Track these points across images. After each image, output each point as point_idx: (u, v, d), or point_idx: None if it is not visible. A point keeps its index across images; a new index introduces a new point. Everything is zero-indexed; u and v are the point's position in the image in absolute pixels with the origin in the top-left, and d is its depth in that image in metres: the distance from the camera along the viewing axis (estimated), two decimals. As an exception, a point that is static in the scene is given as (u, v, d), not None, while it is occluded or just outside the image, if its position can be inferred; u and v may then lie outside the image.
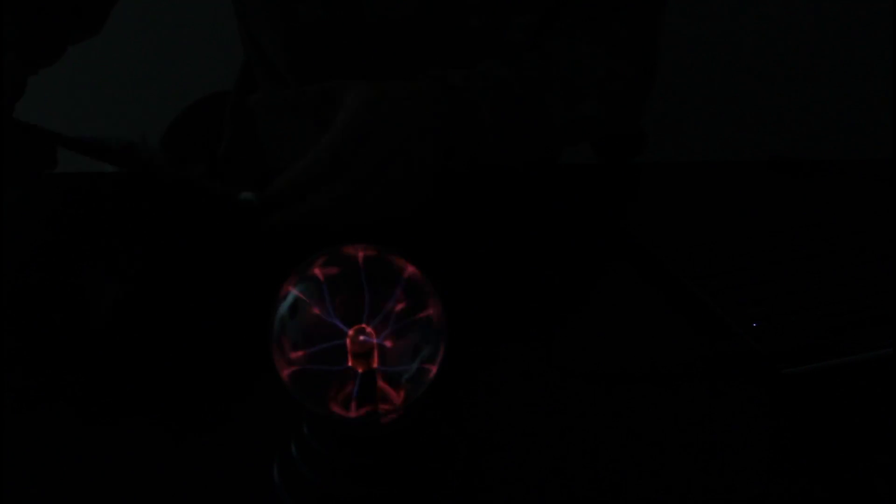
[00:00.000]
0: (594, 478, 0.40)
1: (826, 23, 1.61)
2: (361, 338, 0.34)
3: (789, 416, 0.45)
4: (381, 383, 0.36)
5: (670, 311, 0.54)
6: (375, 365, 0.35)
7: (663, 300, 0.55)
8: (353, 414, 0.36)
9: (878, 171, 0.75)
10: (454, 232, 0.64)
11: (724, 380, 0.47)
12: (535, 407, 0.45)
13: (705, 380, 0.47)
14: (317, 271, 0.35)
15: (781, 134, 1.70)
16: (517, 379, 0.47)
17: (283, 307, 0.35)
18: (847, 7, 1.60)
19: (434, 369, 0.36)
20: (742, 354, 0.48)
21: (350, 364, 0.35)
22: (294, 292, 0.35)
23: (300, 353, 0.35)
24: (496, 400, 0.46)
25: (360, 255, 0.35)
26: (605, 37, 0.72)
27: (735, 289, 0.54)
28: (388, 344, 0.35)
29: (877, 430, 0.44)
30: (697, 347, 0.50)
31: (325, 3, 0.72)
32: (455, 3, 0.72)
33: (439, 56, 0.60)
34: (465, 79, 0.60)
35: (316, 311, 0.34)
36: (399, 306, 0.35)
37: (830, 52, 1.64)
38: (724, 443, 0.43)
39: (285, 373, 0.35)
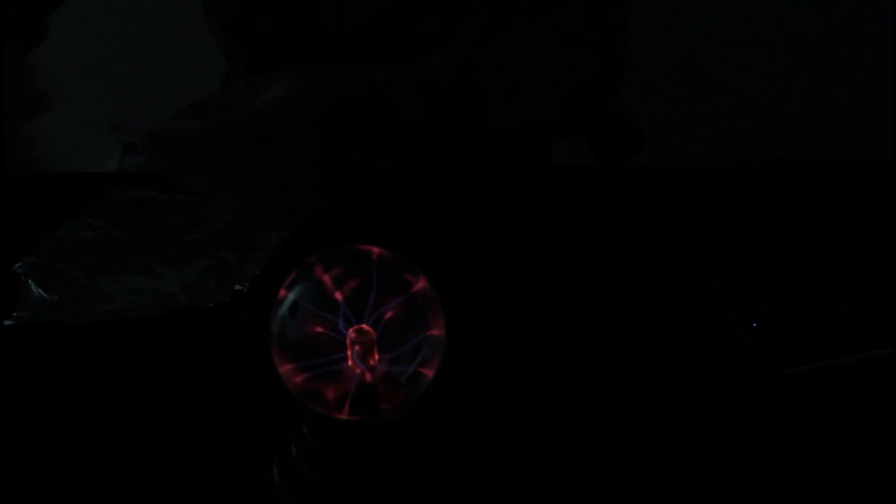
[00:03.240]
0: (594, 477, 0.40)
1: (826, 23, 1.61)
2: (361, 337, 0.34)
3: (789, 416, 0.45)
4: (380, 383, 0.36)
5: (670, 311, 0.54)
6: (375, 365, 0.35)
7: (663, 300, 0.55)
8: (352, 414, 0.36)
9: (878, 171, 0.75)
10: (454, 232, 0.63)
11: (724, 380, 0.47)
12: (534, 407, 0.45)
13: (705, 380, 0.47)
14: (317, 271, 0.35)
15: (781, 134, 1.70)
16: (517, 379, 0.47)
17: (283, 307, 0.35)
18: (847, 7, 1.60)
19: (433, 369, 0.36)
20: (742, 354, 0.48)
21: (349, 364, 0.35)
22: (294, 292, 0.35)
23: (300, 353, 0.35)
24: (495, 400, 0.46)
25: (360, 254, 0.35)
26: (558, 32, 0.69)
27: (735, 289, 0.54)
28: (387, 344, 0.35)
29: (877, 430, 0.44)
30: (697, 347, 0.50)
31: (283, 14, 0.72)
32: (408, 8, 0.72)
33: (394, 61, 0.58)
34: (394, 73, 0.56)
35: (316, 310, 0.34)
36: (399, 306, 0.35)
37: (830, 52, 1.64)
38: (724, 443, 0.43)
39: (285, 372, 0.35)
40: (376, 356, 0.35)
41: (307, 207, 0.56)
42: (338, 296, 0.34)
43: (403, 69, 0.57)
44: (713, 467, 0.41)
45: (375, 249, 0.36)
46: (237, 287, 0.52)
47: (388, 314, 0.34)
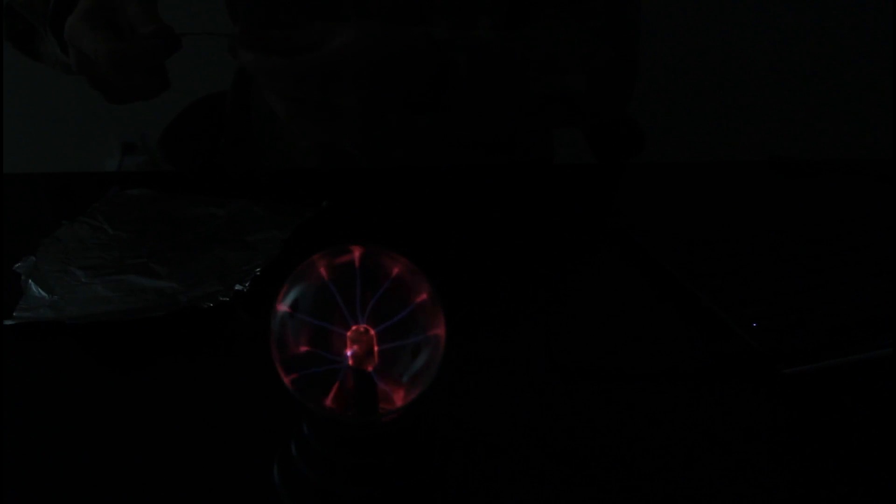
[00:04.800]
0: (594, 477, 0.40)
1: (826, 23, 1.62)
2: (361, 337, 0.34)
3: (789, 416, 0.45)
4: (380, 383, 0.36)
5: (670, 311, 0.54)
6: (375, 365, 0.35)
7: (663, 300, 0.55)
8: (352, 414, 0.36)
9: (878, 171, 0.75)
10: (454, 232, 0.64)
11: (724, 380, 0.47)
12: (534, 407, 0.45)
13: (705, 380, 0.47)
14: (317, 271, 0.35)
15: (781, 134, 1.70)
16: (517, 379, 0.47)
17: (283, 306, 0.35)
18: (847, 7, 1.60)
19: (433, 368, 0.36)
20: (742, 354, 0.48)
21: (350, 364, 0.35)
22: (294, 291, 0.35)
23: (300, 353, 0.35)
24: (495, 400, 0.46)
25: (361, 254, 0.35)
26: (582, 28, 0.73)
27: (735, 289, 0.54)
28: (387, 344, 0.35)
29: (877, 430, 0.44)
30: (697, 347, 0.50)
31: (303, 11, 0.73)
32: (421, 6, 0.73)
33: None
34: (449, 34, 0.63)
35: (316, 310, 0.34)
36: (399, 306, 0.35)
37: (830, 52, 1.64)
38: (724, 442, 0.43)
39: (285, 372, 0.35)
40: (376, 356, 0.35)
41: (351, 141, 0.61)
42: (338, 296, 0.34)
43: (458, 33, 0.64)
44: (713, 467, 0.41)
45: (376, 249, 0.36)
46: (237, 287, 0.52)
47: (388, 314, 0.34)
